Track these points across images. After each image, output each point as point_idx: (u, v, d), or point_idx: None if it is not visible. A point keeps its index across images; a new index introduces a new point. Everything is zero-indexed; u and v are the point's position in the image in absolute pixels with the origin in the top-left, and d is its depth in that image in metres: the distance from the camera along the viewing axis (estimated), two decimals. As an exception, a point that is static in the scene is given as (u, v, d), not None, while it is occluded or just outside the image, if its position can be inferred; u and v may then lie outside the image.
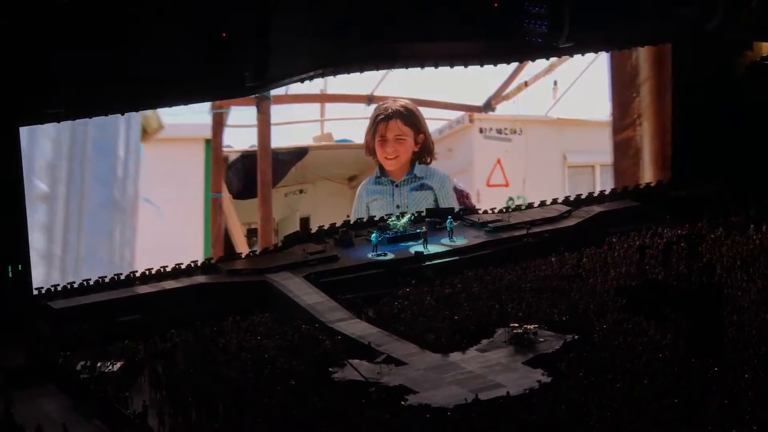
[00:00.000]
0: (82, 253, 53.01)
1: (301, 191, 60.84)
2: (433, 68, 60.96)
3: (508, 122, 63.37)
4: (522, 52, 61.76)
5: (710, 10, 62.73)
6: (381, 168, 62.71)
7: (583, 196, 64.70)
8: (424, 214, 62.30)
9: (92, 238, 53.13)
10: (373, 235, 58.90)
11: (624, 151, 63.56)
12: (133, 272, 54.96)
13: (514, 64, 62.81)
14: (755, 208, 61.92)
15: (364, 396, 45.22)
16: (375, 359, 48.14)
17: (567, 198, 64.43)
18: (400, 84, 61.91)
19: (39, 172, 50.75)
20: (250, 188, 58.31)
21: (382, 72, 61.44)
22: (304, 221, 60.81)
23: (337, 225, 61.19)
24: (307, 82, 59.36)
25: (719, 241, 58.61)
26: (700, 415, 42.07)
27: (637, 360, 46.53)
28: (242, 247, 58.29)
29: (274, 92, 58.47)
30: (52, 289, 53.41)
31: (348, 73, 59.81)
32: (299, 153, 60.65)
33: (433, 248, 58.99)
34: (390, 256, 58.31)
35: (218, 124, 57.00)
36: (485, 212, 63.28)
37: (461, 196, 63.67)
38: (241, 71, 54.98)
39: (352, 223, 61.74)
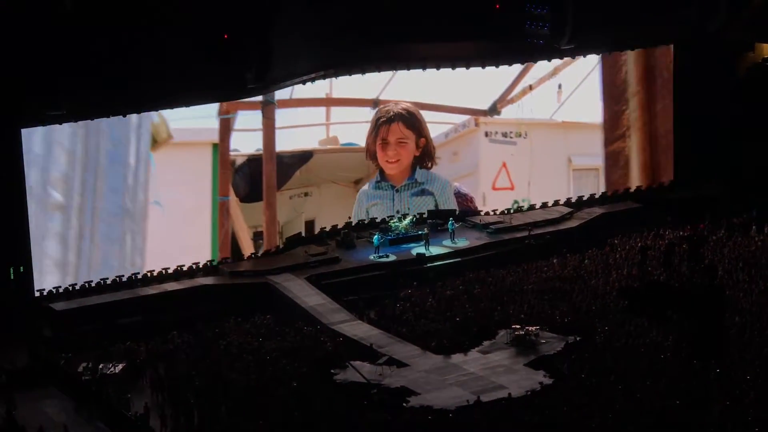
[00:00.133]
0: (96, 261, 53.76)
1: (306, 194, 60.81)
2: (435, 70, 60.94)
3: (513, 126, 63.39)
4: (524, 54, 61.74)
5: (712, 12, 62.73)
6: (381, 172, 62.49)
7: (584, 198, 64.61)
8: (425, 215, 62.22)
9: (105, 245, 53.84)
10: (375, 236, 58.88)
11: (614, 161, 64.01)
12: (135, 274, 54.97)
13: (519, 68, 62.80)
14: (757, 209, 61.88)
15: (365, 397, 45.21)
16: (377, 361, 48.12)
17: (569, 200, 64.38)
18: (406, 88, 61.83)
19: (55, 182, 51.67)
20: (256, 192, 58.47)
21: (387, 76, 61.40)
22: (310, 224, 60.80)
23: (338, 227, 61.17)
24: (312, 86, 59.52)
25: (721, 242, 58.60)
26: (703, 416, 42.06)
27: (639, 361, 46.51)
28: (249, 249, 58.41)
29: (279, 96, 58.53)
30: (54, 291, 53.41)
31: (349, 75, 59.81)
32: (304, 156, 60.66)
33: (434, 250, 58.98)
34: (392, 257, 58.29)
35: (225, 128, 57.19)
36: (487, 214, 63.23)
37: (465, 200, 63.51)
38: (242, 73, 54.99)
39: (353, 224, 61.69)
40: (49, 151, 50.33)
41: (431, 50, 60.48)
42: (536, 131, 63.72)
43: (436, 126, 63.05)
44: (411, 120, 61.99)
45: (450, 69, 61.00)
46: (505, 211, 63.31)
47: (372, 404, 44.69)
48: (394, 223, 60.48)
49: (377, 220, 61.83)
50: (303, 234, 60.26)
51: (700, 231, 59.75)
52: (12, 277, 52.45)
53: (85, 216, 52.03)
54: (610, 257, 58.00)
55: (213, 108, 56.65)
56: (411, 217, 61.14)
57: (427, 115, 62.59)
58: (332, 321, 52.06)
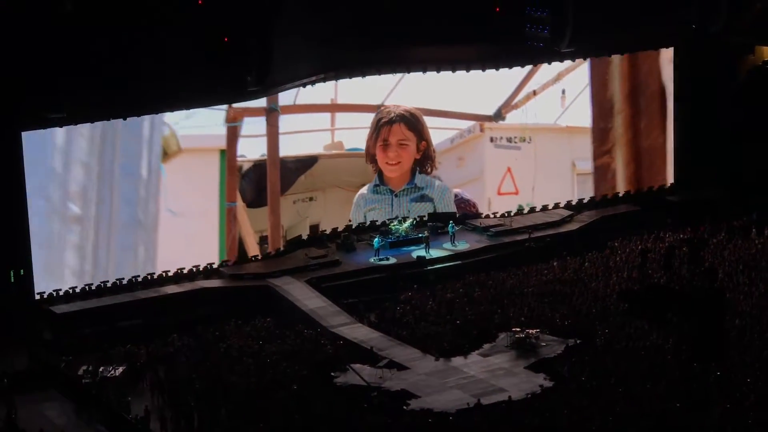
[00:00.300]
0: (111, 270, 54.49)
1: (311, 198, 60.78)
2: (440, 76, 60.98)
3: (517, 131, 63.45)
4: (524, 57, 61.75)
5: (712, 15, 62.75)
6: (380, 175, 62.27)
7: (585, 201, 64.65)
8: (426, 218, 62.20)
9: (119, 255, 54.53)
10: (376, 239, 58.88)
11: (602, 174, 64.48)
12: (135, 277, 54.99)
13: (523, 73, 62.85)
14: (757, 212, 61.88)
15: (366, 400, 45.21)
16: (377, 364, 48.12)
17: (568, 202, 64.37)
18: (411, 93, 61.81)
19: (73, 196, 52.57)
20: (262, 197, 58.62)
21: (392, 82, 61.37)
22: (314, 228, 60.79)
23: (339, 230, 61.17)
24: (317, 92, 59.59)
25: (721, 245, 58.60)
26: (703, 419, 42.05)
27: (640, 364, 46.52)
28: (254, 254, 58.45)
29: (283, 102, 58.61)
30: (54, 293, 53.42)
31: (350, 78, 59.83)
32: (309, 161, 60.71)
33: (435, 253, 58.97)
34: (392, 260, 58.30)
35: (233, 135, 57.40)
36: (487, 217, 63.21)
37: (468, 206, 63.39)
38: (243, 76, 55.01)
39: (354, 227, 61.67)
40: (68, 167, 51.59)
41: (432, 53, 60.50)
42: (540, 136, 63.84)
43: (442, 132, 63.04)
44: (413, 122, 61.87)
45: (450, 72, 61.00)
46: (505, 214, 63.28)
47: (372, 407, 44.68)
48: (394, 226, 60.46)
49: (377, 223, 61.75)
50: (300, 235, 60.19)
51: (701, 234, 59.76)
52: (12, 280, 52.41)
53: (101, 227, 53.11)
54: (611, 260, 57.99)
55: (220, 116, 56.86)
56: (411, 220, 61.11)
57: (432, 121, 62.51)
58: (332, 324, 52.06)
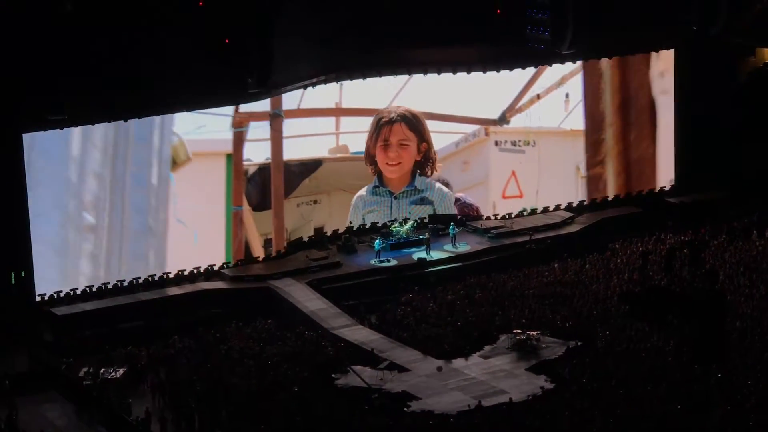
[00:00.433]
0: (123, 276, 54.99)
1: (315, 201, 60.79)
2: (445, 80, 60.98)
3: (522, 134, 63.56)
4: (525, 58, 61.76)
5: (713, 16, 62.77)
6: (379, 177, 62.09)
7: (585, 202, 64.69)
8: (426, 220, 62.18)
9: (131, 262, 54.99)
10: (376, 241, 58.88)
11: (595, 184, 64.82)
12: (136, 279, 55.03)
13: (527, 77, 62.90)
14: (758, 213, 61.89)
15: (366, 402, 45.22)
16: (378, 365, 48.13)
17: (569, 204, 64.39)
18: (416, 97, 61.81)
19: (88, 206, 53.25)
20: (267, 200, 58.77)
21: (397, 85, 61.38)
22: (319, 231, 60.78)
23: (340, 231, 61.18)
24: (321, 96, 59.64)
25: (722, 247, 58.59)
26: (704, 421, 42.05)
27: (640, 366, 46.52)
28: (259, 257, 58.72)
29: (288, 107, 58.73)
30: (55, 295, 53.43)
31: (351, 80, 59.83)
32: (313, 165, 60.76)
33: (435, 254, 58.97)
34: (393, 262, 58.30)
35: (239, 140, 57.57)
36: (488, 218, 63.22)
37: (470, 210, 63.35)
38: (244, 77, 55.04)
39: (355, 229, 61.67)
40: (83, 177, 52.43)
41: (433, 55, 60.49)
42: (545, 139, 63.96)
43: (447, 135, 63.04)
44: (414, 122, 61.75)
45: (451, 73, 61.01)
46: (506, 216, 63.28)
47: (373, 409, 44.69)
48: (395, 227, 60.46)
49: (378, 225, 61.73)
50: (301, 237, 60.21)
51: (701, 236, 59.74)
52: (13, 282, 52.43)
53: (113, 235, 53.79)
54: (611, 262, 57.99)
55: (227, 121, 57.08)
56: (412, 221, 61.10)
57: (437, 125, 62.56)
58: (333, 326, 52.07)
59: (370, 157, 61.81)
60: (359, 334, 51.37)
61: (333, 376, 47.64)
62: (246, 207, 57.88)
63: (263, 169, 58.42)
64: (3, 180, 51.72)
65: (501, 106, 63.22)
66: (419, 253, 58.86)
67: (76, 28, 50.98)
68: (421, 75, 60.97)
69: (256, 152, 58.24)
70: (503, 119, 63.39)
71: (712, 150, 65.08)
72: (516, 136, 63.54)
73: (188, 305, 54.04)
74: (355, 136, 61.92)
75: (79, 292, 53.85)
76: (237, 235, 57.60)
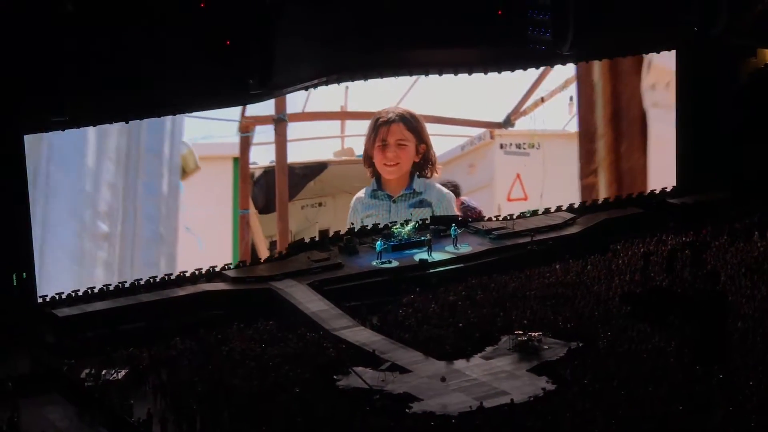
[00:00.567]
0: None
1: (320, 204, 60.85)
2: (449, 84, 61.03)
3: (526, 137, 63.68)
4: (526, 60, 61.77)
5: (714, 17, 62.79)
6: (378, 180, 61.96)
7: (587, 203, 64.73)
8: (428, 221, 62.18)
9: (143, 269, 55.35)
10: (378, 242, 58.88)
11: (588, 193, 64.99)
12: (138, 280, 55.05)
13: (531, 80, 62.99)
14: (759, 214, 61.88)
15: (368, 403, 45.22)
16: (379, 367, 48.13)
17: (571, 205, 64.41)
18: (421, 101, 61.85)
19: (102, 215, 53.86)
20: (272, 203, 58.97)
21: (403, 89, 61.38)
22: (323, 233, 60.88)
23: (341, 232, 61.19)
24: (327, 99, 59.73)
25: (723, 248, 58.58)
26: (705, 422, 42.05)
27: (642, 367, 46.52)
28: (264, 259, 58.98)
29: (292, 110, 58.81)
30: (57, 297, 53.45)
31: (352, 81, 59.83)
32: (318, 168, 60.84)
33: (437, 256, 58.97)
34: (394, 263, 58.30)
35: (245, 145, 57.78)
36: (489, 219, 63.22)
37: (473, 213, 63.29)
38: (245, 79, 55.06)
39: (356, 230, 61.66)
40: (98, 188, 53.22)
41: (434, 56, 60.50)
42: (549, 142, 64.06)
43: (453, 139, 63.12)
44: (412, 122, 61.65)
45: (453, 75, 61.02)
46: (508, 217, 63.28)
47: (374, 410, 44.69)
48: (396, 229, 60.46)
49: (380, 226, 61.70)
50: (303, 238, 60.25)
51: (703, 237, 59.73)
52: (15, 284, 52.45)
53: (126, 243, 54.42)
54: (613, 263, 57.98)
55: (233, 126, 57.30)
56: (414, 223, 61.08)
57: (443, 128, 62.59)
58: (335, 327, 52.08)
59: (368, 158, 61.67)
60: (361, 335, 51.37)
61: (334, 377, 47.65)
62: (252, 210, 58.02)
63: (268, 173, 58.61)
64: (4, 181, 51.72)
65: (506, 109, 63.33)
66: (421, 255, 58.85)
67: (77, 29, 50.99)
68: (427, 79, 61.03)
69: (262, 155, 58.46)
70: (508, 122, 63.48)
71: (714, 151, 65.11)
72: (521, 138, 63.68)
73: (190, 306, 54.04)
74: (361, 140, 61.97)
75: (80, 293, 53.86)
76: (244, 238, 57.79)
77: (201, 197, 56.39)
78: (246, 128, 57.50)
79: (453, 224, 60.67)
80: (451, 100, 62.00)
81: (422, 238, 59.90)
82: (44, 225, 52.34)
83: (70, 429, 44.82)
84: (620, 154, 63.97)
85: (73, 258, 53.35)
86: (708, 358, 45.99)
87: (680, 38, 64.39)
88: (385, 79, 60.38)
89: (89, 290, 54.00)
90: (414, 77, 61.13)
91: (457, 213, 62.75)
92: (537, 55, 61.08)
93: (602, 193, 64.95)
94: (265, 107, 57.80)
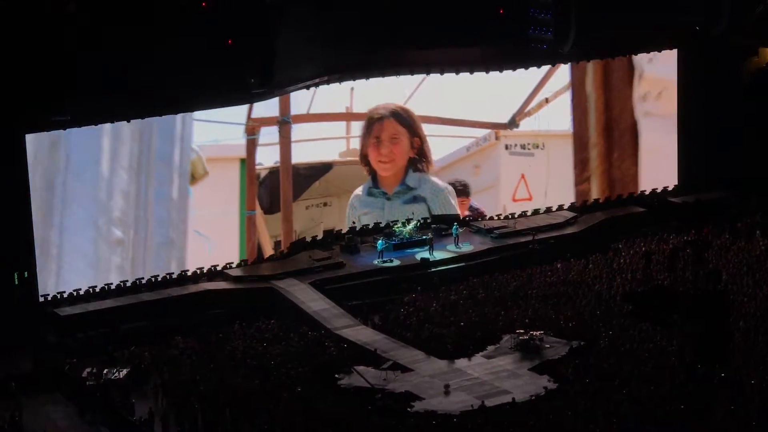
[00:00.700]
0: None
1: (325, 204, 60.92)
2: (455, 85, 61.08)
3: (530, 137, 63.86)
4: (528, 59, 61.76)
5: (716, 16, 62.78)
6: (374, 178, 61.91)
7: (588, 202, 64.75)
8: (429, 220, 62.17)
9: (154, 273, 55.77)
10: (379, 241, 58.87)
11: (582, 200, 65.08)
12: (139, 279, 55.08)
13: (535, 81, 63.11)
14: (761, 213, 61.87)
15: (370, 402, 45.24)
16: (381, 366, 48.13)
17: (572, 204, 64.42)
18: (427, 102, 61.94)
19: (116, 222, 54.61)
20: (277, 203, 59.15)
21: (408, 91, 61.46)
22: (328, 233, 60.93)
23: (343, 231, 61.20)
24: (332, 99, 59.79)
25: (725, 247, 58.57)
26: (707, 421, 42.03)
27: (644, 366, 46.53)
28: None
29: (297, 111, 59.02)
30: (58, 296, 53.47)
31: (353, 80, 59.82)
32: (324, 168, 60.94)
33: (438, 255, 58.96)
34: (396, 262, 58.29)
35: (252, 147, 58.02)
36: (491, 218, 63.22)
37: (477, 214, 63.42)
38: (246, 78, 55.05)
39: (357, 229, 61.67)
40: (112, 196, 54.11)
41: (435, 55, 60.47)
42: (553, 142, 64.27)
43: (458, 140, 63.20)
44: (404, 117, 61.56)
45: (454, 74, 61.03)
46: (509, 216, 63.29)
47: (376, 409, 44.70)
48: (398, 228, 60.45)
49: (381, 225, 61.69)
50: (304, 237, 60.26)
51: (704, 235, 59.71)
52: (17, 283, 52.46)
53: (138, 248, 55.02)
54: (614, 262, 57.98)
55: (240, 129, 57.52)
56: (415, 222, 61.06)
57: (448, 129, 62.68)
58: (336, 326, 52.08)
59: (363, 157, 61.59)
60: (362, 334, 51.38)
61: (336, 376, 47.67)
62: (258, 210, 58.21)
63: (273, 173, 58.83)
64: (6, 181, 51.73)
65: (510, 110, 63.46)
66: (422, 254, 58.85)
67: (79, 29, 50.99)
68: (432, 80, 61.11)
69: (267, 156, 58.70)
70: (513, 123, 63.59)
71: (715, 150, 65.09)
72: (525, 139, 63.90)
73: (191, 306, 54.04)
74: (365, 140, 62.37)
75: (82, 293, 53.89)
76: (251, 238, 58.03)
77: (209, 198, 56.83)
78: (252, 131, 57.80)
79: (455, 223, 60.65)
80: (456, 102, 62.11)
81: (424, 237, 59.88)
82: (61, 231, 53.20)
83: (71, 428, 44.83)
84: (612, 162, 64.72)
85: (89, 263, 54.08)
86: (710, 357, 45.95)
87: (682, 37, 64.37)
88: (390, 80, 60.53)
89: (90, 289, 54.03)
90: (419, 79, 61.23)
91: (457, 207, 62.65)
92: (538, 54, 61.04)
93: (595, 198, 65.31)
94: (271, 109, 58.00)
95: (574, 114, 63.55)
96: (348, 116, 61.41)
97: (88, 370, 48.04)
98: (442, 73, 60.97)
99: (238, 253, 57.80)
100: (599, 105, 63.60)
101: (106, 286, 54.33)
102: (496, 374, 47.54)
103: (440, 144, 62.83)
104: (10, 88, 50.52)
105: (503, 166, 63.86)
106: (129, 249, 54.77)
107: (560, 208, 64.18)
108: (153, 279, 55.26)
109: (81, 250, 53.58)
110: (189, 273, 56.09)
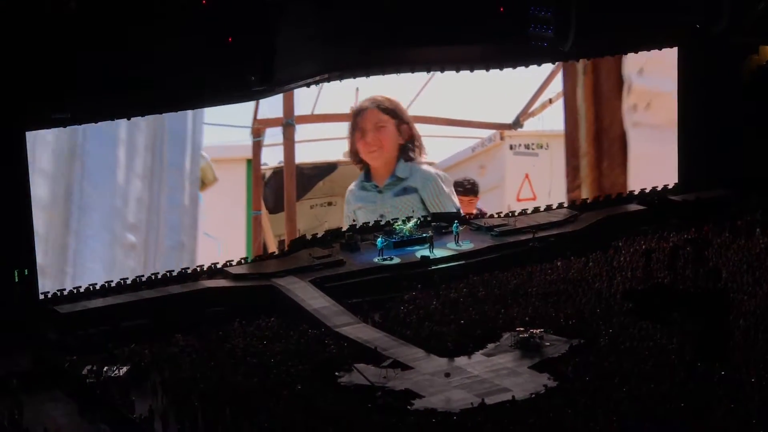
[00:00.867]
0: None
1: (329, 203, 60.98)
2: (460, 87, 61.21)
3: (534, 138, 64.06)
4: (528, 57, 61.75)
5: (716, 15, 62.76)
6: (367, 172, 61.91)
7: (588, 200, 64.77)
8: (429, 218, 62.18)
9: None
10: (379, 239, 58.86)
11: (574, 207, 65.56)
12: (139, 277, 55.10)
13: (539, 81, 63.23)
14: (761, 211, 61.87)
15: (370, 400, 45.24)
16: (381, 364, 48.13)
17: (573, 202, 64.45)
18: (432, 104, 62.08)
19: (130, 227, 55.53)
20: (282, 202, 59.36)
21: (413, 92, 61.53)
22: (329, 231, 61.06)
23: (343, 229, 61.21)
24: (338, 100, 59.88)
25: (725, 245, 58.58)
26: (707, 419, 42.04)
27: (644, 364, 46.53)
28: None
29: (302, 112, 59.21)
30: (59, 293, 53.48)
31: (354, 78, 59.83)
32: (328, 168, 61.06)
33: (439, 252, 58.96)
34: (396, 260, 58.30)
35: (257, 149, 58.33)
36: (491, 216, 63.24)
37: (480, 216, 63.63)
38: (247, 75, 55.05)
39: (358, 227, 61.68)
40: (126, 202, 55.09)
41: (435, 53, 60.49)
42: (557, 143, 64.45)
43: (463, 141, 63.37)
44: (386, 105, 61.42)
45: (454, 72, 61.05)
46: (510, 214, 63.30)
47: (376, 407, 44.70)
48: (398, 225, 60.45)
49: (381, 223, 61.71)
50: (305, 235, 60.27)
51: (705, 234, 59.71)
52: (17, 280, 52.46)
53: (150, 252, 55.82)
54: (614, 260, 57.99)
55: (246, 132, 57.88)
56: (415, 220, 61.04)
57: (454, 130, 62.85)
58: (336, 324, 52.09)
59: (354, 154, 61.47)
60: (362, 332, 51.39)
61: (336, 374, 47.66)
62: (263, 210, 58.45)
63: (278, 173, 59.12)
64: (6, 178, 51.75)
65: (515, 110, 63.61)
66: (422, 251, 58.85)
67: (80, 27, 50.98)
68: (437, 81, 61.27)
69: (271, 155, 59.00)
70: (517, 123, 63.70)
71: (716, 148, 65.08)
72: (529, 139, 64.14)
73: (191, 303, 54.04)
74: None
75: (82, 290, 53.91)
76: (257, 238, 58.33)
77: (217, 199, 57.40)
78: (258, 132, 58.12)
79: (455, 221, 60.66)
80: (461, 103, 62.34)
81: (424, 235, 59.88)
82: (78, 236, 54.15)
83: (71, 425, 44.84)
84: (602, 170, 65.19)
85: (105, 266, 54.97)
86: (710, 356, 45.96)
87: (682, 36, 64.36)
88: (395, 81, 60.72)
89: (91, 287, 54.05)
90: (424, 81, 61.40)
91: (453, 194, 62.68)
92: (539, 52, 61.03)
93: None
94: (275, 111, 58.42)
95: (566, 124, 64.27)
96: (351, 117, 61.40)
97: (89, 367, 48.05)
98: (442, 71, 61.00)
99: (245, 253, 58.02)
100: (590, 116, 64.39)
101: (106, 284, 54.37)
102: (496, 372, 47.54)
103: (446, 145, 63.11)
104: (10, 85, 50.51)
105: (508, 166, 64.19)
106: (142, 253, 55.60)
107: (560, 206, 64.21)
108: (153, 276, 55.28)
109: (97, 255, 54.71)
110: (189, 271, 56.11)
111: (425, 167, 62.48)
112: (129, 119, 53.99)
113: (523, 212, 63.52)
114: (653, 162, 65.56)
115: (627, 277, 55.56)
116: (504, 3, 60.11)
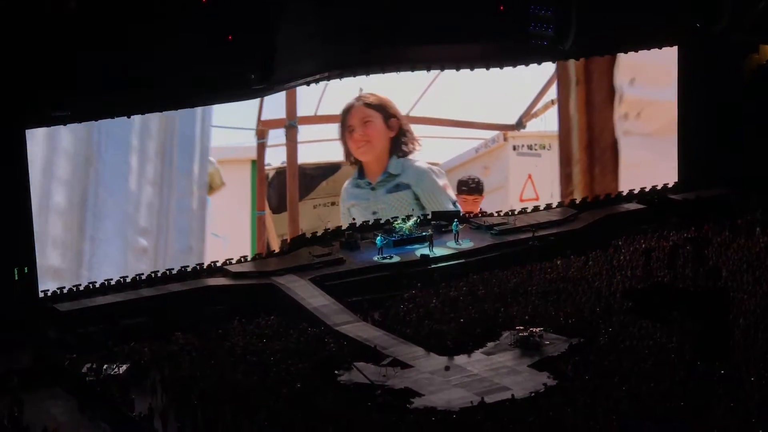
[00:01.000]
0: None
1: (332, 203, 61.06)
2: (463, 88, 61.25)
3: (537, 138, 64.17)
4: (528, 56, 61.76)
5: (717, 14, 62.76)
6: (360, 169, 61.95)
7: (588, 199, 64.78)
8: (429, 216, 62.19)
9: None
10: (379, 238, 58.87)
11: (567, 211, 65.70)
12: (139, 275, 55.12)
13: (541, 83, 63.26)
14: (761, 210, 61.87)
15: (369, 399, 45.24)
16: (381, 362, 48.14)
17: (572, 201, 64.46)
18: (436, 105, 62.16)
19: (142, 232, 56.07)
20: (285, 202, 59.54)
21: (416, 93, 61.57)
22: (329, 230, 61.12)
23: (343, 228, 61.22)
24: (341, 100, 59.91)
25: (725, 244, 58.56)
26: (707, 417, 42.05)
27: (643, 363, 46.54)
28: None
29: (305, 113, 59.39)
30: (59, 291, 53.49)
31: (354, 76, 59.85)
32: (331, 168, 61.16)
33: (438, 251, 58.97)
34: (396, 259, 58.30)
35: (261, 150, 58.52)
36: (491, 215, 63.24)
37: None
38: (247, 74, 55.05)
39: (357, 226, 61.69)
40: (138, 208, 55.66)
41: (436, 52, 60.51)
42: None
43: (467, 141, 63.49)
44: (371, 101, 61.36)
45: (454, 71, 61.07)
46: (509, 213, 63.32)
47: (376, 405, 44.71)
48: (398, 224, 60.46)
49: (381, 221, 61.74)
50: (304, 234, 60.29)
51: (705, 233, 59.72)
52: (17, 278, 52.47)
53: (160, 255, 56.23)
54: (614, 259, 57.99)
55: (250, 132, 58.08)
56: (415, 218, 61.04)
57: (458, 131, 62.97)
58: (336, 322, 52.10)
59: (346, 153, 61.46)
60: (362, 330, 51.40)
61: (336, 372, 47.66)
62: (267, 210, 58.65)
63: (281, 173, 59.25)
64: (6, 176, 51.75)
65: (518, 111, 63.72)
66: (422, 250, 58.86)
67: (80, 26, 50.99)
68: (441, 82, 61.33)
69: (275, 156, 59.14)
70: (520, 124, 63.76)
71: (716, 147, 65.09)
72: (532, 140, 64.25)
73: (191, 302, 54.05)
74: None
75: (82, 288, 53.91)
76: (261, 238, 58.44)
77: (223, 200, 57.66)
78: (262, 134, 58.27)
79: (455, 220, 60.67)
80: (464, 104, 62.46)
81: (423, 233, 59.89)
82: (92, 241, 54.62)
83: (71, 423, 44.85)
84: (594, 177, 65.43)
85: (118, 270, 55.27)
86: (710, 354, 45.96)
87: (683, 34, 64.35)
88: (398, 83, 60.80)
89: (90, 285, 54.06)
90: (428, 82, 61.48)
91: (447, 187, 62.64)
92: (539, 51, 61.03)
93: None
94: (279, 112, 58.57)
95: (559, 132, 64.42)
96: (341, 117, 61.45)
97: (88, 365, 48.06)
98: (442, 69, 61.04)
99: (250, 253, 58.13)
100: (582, 124, 64.65)
101: (105, 282, 54.37)
102: (496, 371, 47.55)
103: (450, 145, 63.24)
104: (10, 84, 50.51)
105: (511, 166, 64.32)
106: (152, 256, 56.03)
107: (560, 204, 64.23)
108: (152, 275, 55.30)
109: (111, 259, 55.24)
110: (189, 269, 56.12)
111: (417, 163, 62.48)
112: (129, 117, 54.00)
113: (523, 211, 63.52)
114: (643, 169, 65.84)
115: (627, 276, 55.57)
116: (504, 1, 60.14)
